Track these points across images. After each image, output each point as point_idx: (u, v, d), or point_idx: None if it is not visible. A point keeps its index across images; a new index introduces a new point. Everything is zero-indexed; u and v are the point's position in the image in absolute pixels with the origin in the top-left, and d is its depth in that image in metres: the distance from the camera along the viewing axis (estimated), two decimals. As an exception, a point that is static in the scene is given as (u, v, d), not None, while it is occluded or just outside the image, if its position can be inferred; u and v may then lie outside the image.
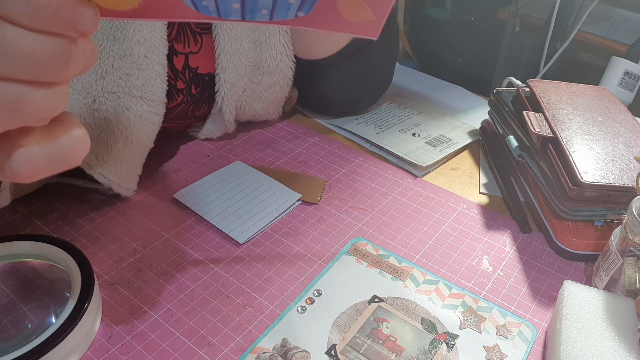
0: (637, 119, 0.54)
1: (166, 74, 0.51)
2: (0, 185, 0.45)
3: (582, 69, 1.02)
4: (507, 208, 0.55)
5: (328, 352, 0.38)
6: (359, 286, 0.44)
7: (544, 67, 0.99)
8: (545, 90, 0.56)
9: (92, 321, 0.38)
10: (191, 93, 0.57)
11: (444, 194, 0.56)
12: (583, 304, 0.38)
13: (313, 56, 0.60)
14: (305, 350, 0.38)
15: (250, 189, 0.54)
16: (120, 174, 0.50)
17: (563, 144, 0.48)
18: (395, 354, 0.39)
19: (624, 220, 0.40)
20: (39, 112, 0.22)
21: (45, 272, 0.41)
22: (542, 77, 0.99)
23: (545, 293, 0.45)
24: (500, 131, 0.60)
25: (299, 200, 0.53)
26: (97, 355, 0.38)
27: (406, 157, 0.60)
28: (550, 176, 0.49)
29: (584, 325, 0.37)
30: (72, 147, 0.24)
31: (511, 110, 0.59)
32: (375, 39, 0.25)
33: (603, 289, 0.41)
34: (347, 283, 0.44)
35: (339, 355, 0.38)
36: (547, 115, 0.52)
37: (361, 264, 0.46)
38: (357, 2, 0.24)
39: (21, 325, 0.37)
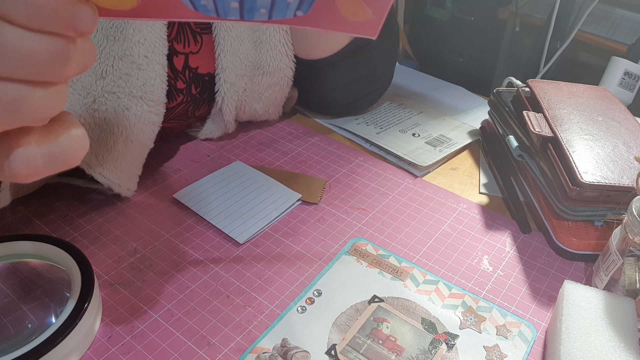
0: (637, 119, 0.54)
1: (166, 74, 0.51)
2: (0, 185, 0.45)
3: (582, 69, 1.02)
4: (507, 208, 0.55)
5: (328, 352, 0.38)
6: (359, 286, 0.44)
7: (544, 67, 0.99)
8: (545, 90, 0.56)
9: (92, 321, 0.38)
10: (191, 93, 0.57)
11: (444, 194, 0.56)
12: (583, 304, 0.38)
13: (313, 56, 0.60)
14: (305, 350, 0.38)
15: (250, 189, 0.54)
16: (120, 174, 0.50)
17: (563, 144, 0.48)
18: (395, 354, 0.39)
19: (624, 220, 0.40)
20: (38, 112, 0.22)
21: (45, 272, 0.41)
22: (542, 77, 0.99)
23: (545, 293, 0.45)
24: (500, 131, 0.60)
25: (299, 200, 0.53)
26: (97, 355, 0.38)
27: (406, 157, 0.60)
28: (550, 176, 0.49)
29: (584, 325, 0.37)
30: (71, 147, 0.24)
31: (511, 110, 0.59)
32: (374, 38, 0.25)
33: (603, 289, 0.41)
34: (347, 283, 0.44)
35: (339, 355, 0.38)
36: (547, 115, 0.52)
37: (361, 264, 0.46)
38: (356, 1, 0.24)
39: (21, 325, 0.37)
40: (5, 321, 0.37)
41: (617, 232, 0.41)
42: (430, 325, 0.41)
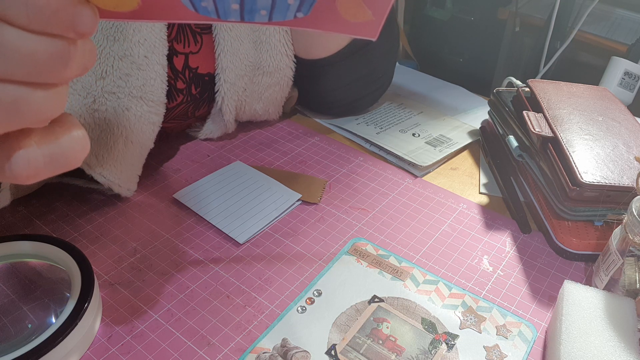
0: (637, 119, 0.54)
1: (166, 74, 0.51)
2: (0, 185, 0.45)
3: (582, 69, 1.02)
4: (507, 208, 0.55)
5: (328, 352, 0.38)
6: (359, 286, 0.44)
7: (544, 67, 0.99)
8: (545, 90, 0.56)
9: (92, 321, 0.38)
10: (191, 93, 0.57)
11: (444, 194, 0.56)
12: (583, 304, 0.38)
13: (313, 56, 0.60)
14: (305, 350, 0.39)
15: (250, 189, 0.54)
16: (120, 174, 0.50)
17: (563, 144, 0.48)
18: (395, 354, 0.39)
19: (624, 220, 0.40)
20: (39, 113, 0.22)
21: (45, 272, 0.42)
22: (542, 77, 0.99)
23: (545, 293, 0.45)
24: (500, 131, 0.60)
25: (299, 200, 0.53)
26: (97, 355, 0.38)
27: (406, 157, 0.60)
28: (550, 176, 0.49)
29: (584, 325, 0.37)
30: (71, 148, 0.24)
31: (511, 110, 0.59)
32: (374, 39, 0.25)
33: (603, 289, 0.41)
34: (347, 283, 0.44)
35: (339, 355, 0.38)
36: (547, 115, 0.52)
37: (361, 264, 0.46)
38: (356, 2, 0.24)
39: (21, 325, 0.37)
40: (5, 321, 0.37)
41: (617, 232, 0.41)
42: (430, 325, 0.41)
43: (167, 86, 0.52)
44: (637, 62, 0.80)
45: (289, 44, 0.59)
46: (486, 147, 0.62)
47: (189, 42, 0.54)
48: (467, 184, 0.58)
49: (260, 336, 0.40)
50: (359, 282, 0.44)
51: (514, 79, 0.63)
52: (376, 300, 0.43)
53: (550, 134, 0.50)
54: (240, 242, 0.48)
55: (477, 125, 0.68)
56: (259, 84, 0.60)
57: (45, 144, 0.23)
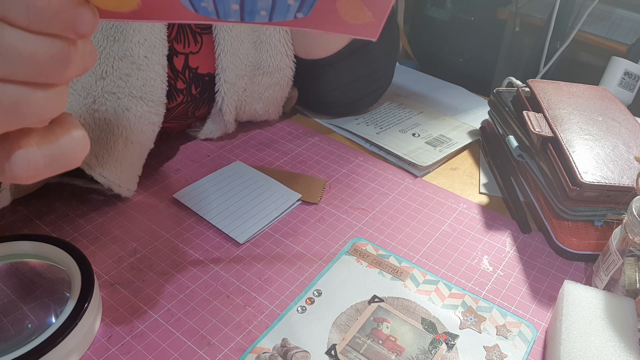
0: (637, 119, 0.54)
1: (166, 75, 0.51)
2: (0, 185, 0.45)
3: (582, 69, 1.02)
4: (507, 208, 0.55)
5: (328, 352, 0.38)
6: (359, 286, 0.44)
7: (544, 67, 0.99)
8: (545, 90, 0.56)
9: (92, 321, 0.38)
10: (191, 93, 0.57)
11: (444, 194, 0.56)
12: (583, 304, 0.38)
13: (313, 56, 0.60)
14: (305, 350, 0.39)
15: (250, 189, 0.54)
16: (120, 175, 0.50)
17: (563, 144, 0.48)
18: (395, 354, 0.39)
19: (624, 220, 0.40)
20: (39, 113, 0.22)
21: (45, 272, 0.42)
22: (542, 77, 0.99)
23: (545, 293, 0.45)
24: (500, 131, 0.60)
25: (299, 200, 0.53)
26: (97, 355, 0.38)
27: (406, 157, 0.60)
28: (550, 176, 0.49)
29: (584, 325, 0.37)
30: (71, 149, 0.24)
31: (511, 110, 0.59)
32: (374, 39, 0.25)
33: (603, 289, 0.41)
34: (347, 283, 0.44)
35: (339, 355, 0.38)
36: (547, 115, 0.52)
37: (361, 264, 0.46)
38: (356, 3, 0.24)
39: (21, 325, 0.37)
40: (5, 321, 0.37)
41: (617, 232, 0.41)
42: (430, 325, 0.41)
43: (167, 86, 0.52)
44: (637, 62, 0.80)
45: (289, 44, 0.59)
46: (486, 147, 0.62)
47: (189, 42, 0.54)
48: (467, 184, 0.58)
49: (260, 336, 0.40)
50: (359, 282, 0.44)
51: (514, 79, 0.63)
52: (376, 300, 0.43)
53: (550, 134, 0.50)
54: (240, 242, 0.48)
55: (477, 125, 0.68)
56: (259, 84, 0.60)
57: (45, 144, 0.23)
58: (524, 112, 0.53)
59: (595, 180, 0.44)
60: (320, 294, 0.43)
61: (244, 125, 0.66)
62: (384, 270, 0.46)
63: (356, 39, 0.59)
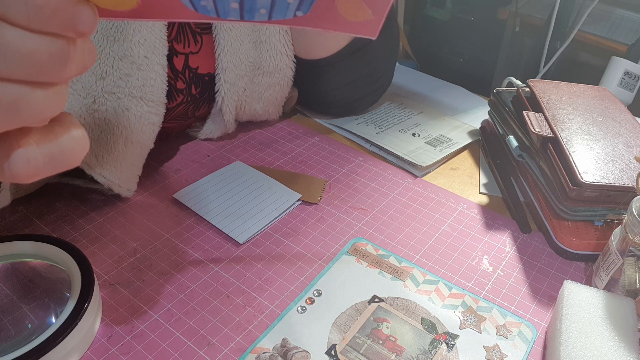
0: (637, 119, 0.54)
1: (166, 75, 0.51)
2: (0, 185, 0.45)
3: (582, 69, 1.02)
4: (507, 208, 0.55)
5: (328, 352, 0.38)
6: (359, 286, 0.44)
7: (544, 67, 0.99)
8: (545, 90, 0.56)
9: (92, 321, 0.38)
10: (191, 93, 0.57)
11: (444, 194, 0.56)
12: (583, 304, 0.38)
13: (313, 56, 0.60)
14: (305, 350, 0.38)
15: (250, 189, 0.54)
16: (120, 175, 0.50)
17: (563, 144, 0.48)
18: (395, 354, 0.39)
19: (624, 220, 0.40)
20: (38, 112, 0.22)
21: (45, 272, 0.42)
22: (542, 77, 0.99)
23: (545, 293, 0.45)
24: (500, 131, 0.60)
25: (299, 200, 0.53)
26: (97, 355, 0.38)
27: (406, 157, 0.60)
28: (550, 176, 0.49)
29: (584, 325, 0.37)
30: (71, 148, 0.24)
31: (511, 110, 0.59)
32: (374, 38, 0.25)
33: (603, 289, 0.41)
34: (347, 283, 0.44)
35: (339, 355, 0.38)
36: (547, 115, 0.52)
37: (361, 264, 0.46)
38: (356, 1, 0.24)
39: (21, 325, 0.37)
40: (5, 321, 0.37)
41: (617, 232, 0.41)
42: (430, 325, 0.41)
43: (167, 86, 0.52)
44: (637, 62, 0.80)
45: (289, 44, 0.59)
46: (486, 147, 0.62)
47: (189, 42, 0.54)
48: (467, 184, 0.58)
49: (260, 336, 0.40)
50: (359, 282, 0.44)
51: (514, 79, 0.63)
52: (376, 300, 0.43)
53: (550, 134, 0.50)
54: (240, 242, 0.48)
55: (477, 125, 0.68)
56: (259, 84, 0.60)
57: (45, 143, 0.23)
58: (524, 112, 0.53)
59: (595, 180, 0.44)
60: (320, 294, 0.43)
61: (244, 125, 0.66)
62: (384, 270, 0.46)
63: (356, 39, 0.59)
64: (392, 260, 0.47)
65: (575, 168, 0.45)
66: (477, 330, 0.41)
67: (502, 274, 0.46)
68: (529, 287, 0.45)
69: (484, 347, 0.39)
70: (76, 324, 0.36)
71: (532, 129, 0.50)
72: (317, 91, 0.65)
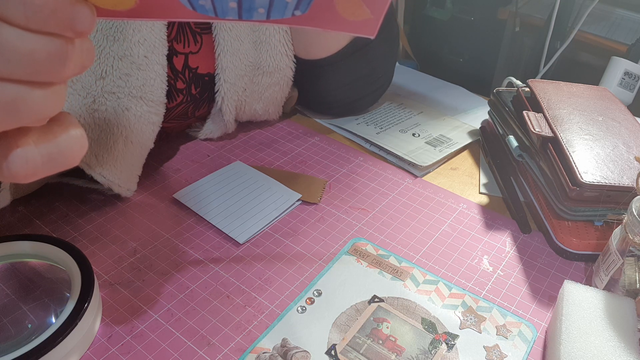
0: (637, 119, 0.54)
1: (166, 74, 0.51)
2: (0, 185, 0.45)
3: (582, 69, 1.02)
4: (507, 208, 0.55)
5: (328, 352, 0.38)
6: (359, 286, 0.44)
7: (544, 67, 0.99)
8: (545, 90, 0.56)
9: (92, 321, 0.38)
10: (191, 93, 0.57)
11: (444, 194, 0.56)
12: (583, 304, 0.38)
13: (313, 56, 0.60)
14: (305, 350, 0.38)
15: (250, 189, 0.54)
16: (120, 175, 0.50)
17: (563, 144, 0.48)
18: (395, 354, 0.39)
19: (624, 220, 0.40)
20: (36, 112, 0.22)
21: (45, 272, 0.42)
22: (542, 77, 0.99)
23: (545, 293, 0.45)
24: (500, 131, 0.60)
25: (299, 200, 0.53)
26: (97, 355, 0.38)
27: (406, 157, 0.60)
28: (550, 176, 0.49)
29: (584, 325, 0.37)
30: (69, 147, 0.24)
31: (511, 110, 0.59)
32: (372, 37, 0.25)
33: (603, 289, 0.41)
34: (347, 283, 0.44)
35: (339, 355, 0.38)
36: (547, 115, 0.52)
37: (361, 264, 0.46)
38: (354, 0, 0.24)
39: (21, 325, 0.37)
40: (5, 321, 0.37)
41: (617, 232, 0.41)
42: (430, 325, 0.41)
43: (167, 86, 0.52)
44: (637, 62, 0.80)
45: (289, 44, 0.59)
46: (486, 147, 0.62)
47: (188, 42, 0.54)
48: (467, 184, 0.58)
49: (260, 336, 0.40)
50: (359, 282, 0.44)
51: (514, 79, 0.62)
52: (376, 300, 0.43)
53: (550, 134, 0.50)
54: (240, 242, 0.48)
55: (477, 125, 0.68)
56: (259, 84, 0.60)
57: (43, 142, 0.23)
58: (524, 112, 0.53)
59: (595, 180, 0.44)
60: (320, 294, 0.43)
61: (244, 125, 0.66)
62: (384, 270, 0.46)
63: (356, 38, 0.59)
64: (392, 260, 0.47)
65: (575, 168, 0.45)
66: (477, 330, 0.41)
67: (502, 274, 0.46)
68: (529, 287, 0.45)
69: (484, 347, 0.39)
70: (76, 324, 0.36)
71: (532, 129, 0.50)
72: (317, 91, 0.65)
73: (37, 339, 0.35)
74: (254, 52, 0.58)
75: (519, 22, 1.07)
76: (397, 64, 0.75)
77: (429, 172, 0.60)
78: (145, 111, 0.50)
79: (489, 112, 0.64)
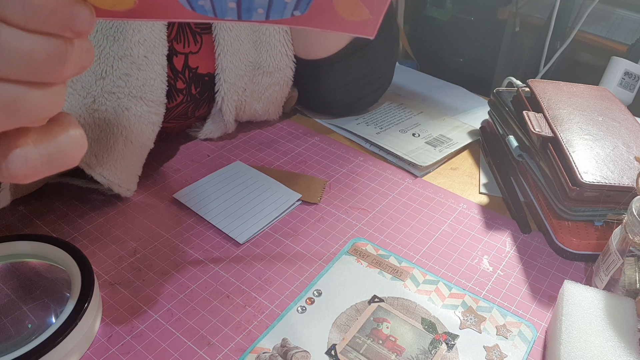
0: (637, 119, 0.54)
1: (166, 74, 0.51)
2: (0, 185, 0.45)
3: (582, 69, 1.02)
4: (507, 208, 0.55)
5: (328, 352, 0.38)
6: (359, 286, 0.44)
7: (544, 67, 0.99)
8: (545, 90, 0.56)
9: (92, 321, 0.38)
10: (191, 93, 0.57)
11: (444, 194, 0.56)
12: (583, 304, 0.38)
13: (313, 56, 0.60)
14: (305, 350, 0.38)
15: (250, 189, 0.54)
16: (120, 175, 0.50)
17: (563, 144, 0.48)
18: (395, 354, 0.39)
19: (624, 220, 0.40)
20: (36, 112, 0.22)
21: (45, 272, 0.42)
22: (542, 77, 0.99)
23: (545, 293, 0.45)
24: (500, 131, 0.60)
25: (299, 200, 0.53)
26: (97, 355, 0.38)
27: (406, 157, 0.60)
28: (550, 176, 0.49)
29: (584, 325, 0.37)
30: (69, 148, 0.24)
31: (511, 110, 0.59)
32: (372, 37, 0.25)
33: (603, 289, 0.41)
34: (347, 283, 0.44)
35: (339, 355, 0.38)
36: (547, 115, 0.52)
37: (361, 264, 0.46)
38: (354, 0, 0.24)
39: (21, 325, 0.37)
40: (5, 321, 0.37)
41: (617, 232, 0.41)
42: (430, 325, 0.41)
43: (167, 86, 0.52)
44: (637, 62, 0.80)
45: (289, 44, 0.59)
46: (486, 147, 0.62)
47: (188, 42, 0.54)
48: (467, 184, 0.58)
49: (260, 336, 0.40)
50: (359, 282, 0.44)
51: (514, 79, 0.62)
52: (376, 300, 0.43)
53: (550, 134, 0.50)
54: (240, 242, 0.48)
55: (477, 125, 0.68)
56: (259, 84, 0.60)
57: (43, 143, 0.23)
58: (524, 112, 0.53)
59: (595, 180, 0.44)
60: (320, 294, 0.43)
61: (244, 125, 0.66)
62: (384, 270, 0.46)
63: (356, 39, 0.59)
64: (392, 260, 0.47)
65: (575, 168, 0.45)
66: (477, 330, 0.41)
67: (502, 274, 0.46)
68: (529, 287, 0.45)
69: (484, 347, 0.39)
70: (76, 324, 0.36)
71: (532, 129, 0.50)
72: (317, 91, 0.65)
73: (37, 339, 0.35)
74: (254, 52, 0.58)
75: (519, 22, 1.07)
76: (397, 64, 0.75)
77: (429, 172, 0.60)
78: (145, 111, 0.50)
79: (489, 112, 0.64)
